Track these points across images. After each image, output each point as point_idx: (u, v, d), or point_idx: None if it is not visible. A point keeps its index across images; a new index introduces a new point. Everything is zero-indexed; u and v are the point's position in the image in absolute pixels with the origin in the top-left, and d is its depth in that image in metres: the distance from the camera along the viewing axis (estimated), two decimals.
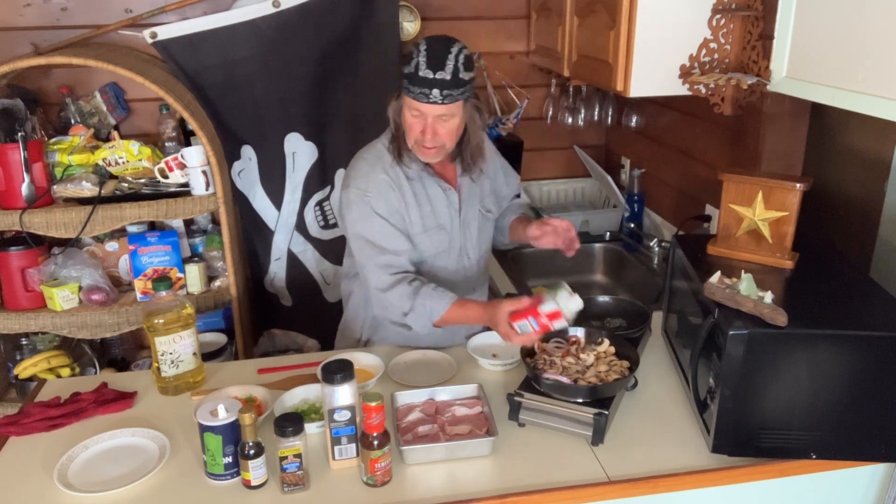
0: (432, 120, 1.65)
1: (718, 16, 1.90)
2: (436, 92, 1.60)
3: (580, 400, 1.48)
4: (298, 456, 1.33)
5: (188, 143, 2.48)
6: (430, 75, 1.59)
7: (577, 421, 1.48)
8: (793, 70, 1.74)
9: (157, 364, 1.67)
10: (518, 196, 2.10)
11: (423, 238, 1.81)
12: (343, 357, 1.45)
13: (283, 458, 1.32)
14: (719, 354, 1.36)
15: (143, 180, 2.37)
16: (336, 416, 1.38)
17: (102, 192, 2.27)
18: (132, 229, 2.48)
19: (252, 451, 1.35)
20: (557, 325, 1.52)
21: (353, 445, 1.41)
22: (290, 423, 1.33)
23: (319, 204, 2.72)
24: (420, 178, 1.79)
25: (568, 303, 1.51)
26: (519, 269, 2.55)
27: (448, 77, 1.59)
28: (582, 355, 1.60)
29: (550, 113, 2.92)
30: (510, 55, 2.91)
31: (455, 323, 1.75)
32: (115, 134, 2.38)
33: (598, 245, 2.75)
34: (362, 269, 1.81)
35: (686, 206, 2.47)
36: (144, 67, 2.29)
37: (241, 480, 1.38)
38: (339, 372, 1.37)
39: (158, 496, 1.36)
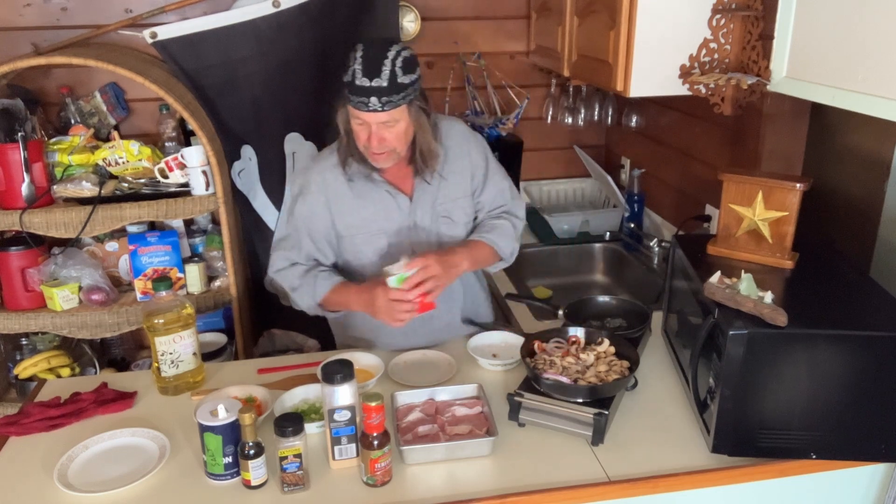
0: (376, 127, 1.62)
1: (718, 16, 1.90)
2: (374, 100, 1.56)
3: (580, 400, 1.48)
4: (298, 456, 1.33)
5: (188, 143, 2.48)
6: (367, 83, 1.55)
7: (577, 421, 1.48)
8: (793, 70, 1.74)
9: (157, 364, 1.67)
10: (506, 212, 1.92)
11: (359, 241, 1.81)
12: (343, 357, 1.45)
13: (283, 458, 1.32)
14: (719, 354, 1.36)
15: (143, 180, 2.37)
16: (336, 417, 1.38)
17: (102, 192, 2.27)
18: (132, 229, 2.48)
19: (252, 451, 1.35)
20: (392, 282, 1.63)
21: (353, 445, 1.41)
22: (290, 423, 1.33)
23: None
24: (364, 182, 1.78)
25: (391, 267, 1.65)
26: (519, 270, 2.54)
27: (385, 84, 1.55)
28: (582, 355, 1.60)
29: (550, 113, 2.92)
30: (510, 55, 2.91)
31: (337, 307, 1.80)
32: (115, 134, 2.38)
33: (598, 245, 2.75)
34: (272, 249, 1.88)
35: (686, 206, 2.47)
36: (144, 67, 2.29)
37: (241, 480, 1.38)
38: (339, 372, 1.37)
39: (158, 496, 1.36)
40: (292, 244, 1.82)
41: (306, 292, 1.78)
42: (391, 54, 1.57)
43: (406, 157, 1.76)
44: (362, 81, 1.56)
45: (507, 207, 1.94)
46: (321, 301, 1.78)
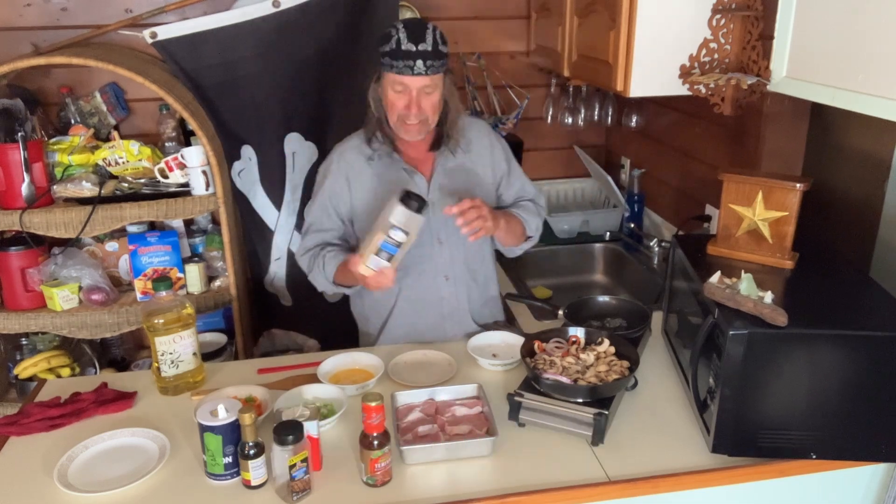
0: (416, 93, 1.71)
1: (718, 16, 1.90)
2: (420, 63, 1.67)
3: (580, 400, 1.48)
4: (305, 460, 1.32)
5: (188, 143, 2.48)
6: (413, 48, 1.66)
7: (577, 421, 1.48)
8: (793, 70, 1.74)
9: (157, 364, 1.67)
10: (530, 200, 2.02)
11: (375, 217, 1.86)
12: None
13: (292, 467, 1.31)
14: (719, 354, 1.36)
15: (143, 180, 2.37)
16: (391, 234, 1.57)
17: (102, 192, 2.27)
18: (132, 229, 2.48)
19: (252, 451, 1.35)
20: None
21: (386, 264, 1.60)
22: (290, 430, 1.31)
23: None
24: (384, 161, 1.86)
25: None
26: (519, 270, 2.54)
27: (430, 48, 1.67)
28: (582, 355, 1.60)
29: (550, 113, 2.91)
30: (510, 55, 2.91)
31: (347, 282, 1.86)
32: (115, 134, 2.38)
33: (598, 245, 2.75)
34: (302, 235, 1.99)
35: (686, 206, 2.47)
36: (144, 67, 2.29)
37: (241, 480, 1.38)
38: (416, 201, 1.56)
39: (158, 496, 1.36)
40: (318, 227, 1.91)
41: (318, 274, 1.87)
42: (430, 26, 1.71)
43: (427, 140, 1.85)
44: (408, 46, 1.66)
45: (529, 197, 2.05)
46: (333, 280, 1.87)
